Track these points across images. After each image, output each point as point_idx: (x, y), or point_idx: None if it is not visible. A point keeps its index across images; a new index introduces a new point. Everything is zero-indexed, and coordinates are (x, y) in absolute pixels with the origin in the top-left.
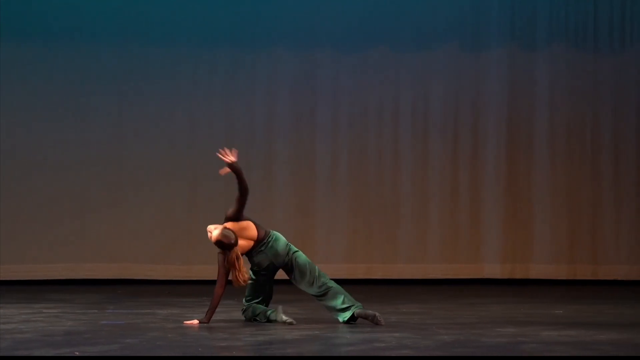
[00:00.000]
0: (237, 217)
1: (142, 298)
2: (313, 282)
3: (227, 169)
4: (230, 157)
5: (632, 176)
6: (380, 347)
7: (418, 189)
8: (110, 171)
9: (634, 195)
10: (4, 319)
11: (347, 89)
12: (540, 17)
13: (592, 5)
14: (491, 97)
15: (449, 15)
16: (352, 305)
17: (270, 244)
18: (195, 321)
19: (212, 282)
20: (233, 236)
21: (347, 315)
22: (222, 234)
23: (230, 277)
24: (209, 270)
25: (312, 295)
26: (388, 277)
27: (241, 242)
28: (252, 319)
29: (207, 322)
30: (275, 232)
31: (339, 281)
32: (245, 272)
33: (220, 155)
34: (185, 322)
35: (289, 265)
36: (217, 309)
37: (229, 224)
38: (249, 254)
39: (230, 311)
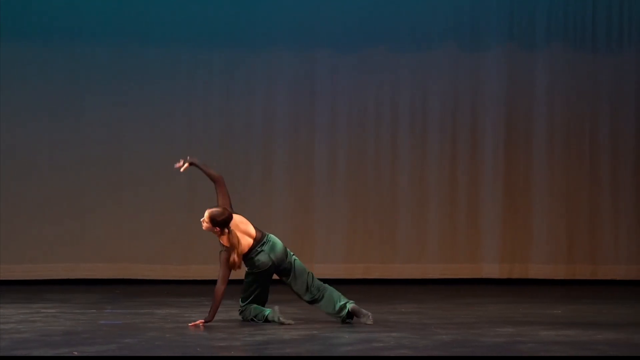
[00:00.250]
0: (227, 204)
1: (141, 298)
2: (308, 287)
3: (186, 165)
4: (183, 164)
5: (630, 176)
6: (378, 347)
7: (417, 188)
8: (108, 171)
9: (633, 195)
10: (2, 319)
11: (346, 89)
12: (539, 17)
13: (590, 5)
14: (490, 97)
15: (448, 15)
16: (347, 302)
17: (269, 243)
18: (200, 322)
19: (211, 282)
20: (226, 211)
21: (344, 314)
22: (212, 209)
23: (232, 260)
24: (208, 270)
25: (307, 300)
26: (386, 277)
27: (241, 237)
28: (250, 319)
29: (211, 321)
30: (270, 234)
31: (337, 281)
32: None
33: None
34: (189, 324)
35: (288, 268)
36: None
37: None
38: (249, 255)
39: (229, 311)
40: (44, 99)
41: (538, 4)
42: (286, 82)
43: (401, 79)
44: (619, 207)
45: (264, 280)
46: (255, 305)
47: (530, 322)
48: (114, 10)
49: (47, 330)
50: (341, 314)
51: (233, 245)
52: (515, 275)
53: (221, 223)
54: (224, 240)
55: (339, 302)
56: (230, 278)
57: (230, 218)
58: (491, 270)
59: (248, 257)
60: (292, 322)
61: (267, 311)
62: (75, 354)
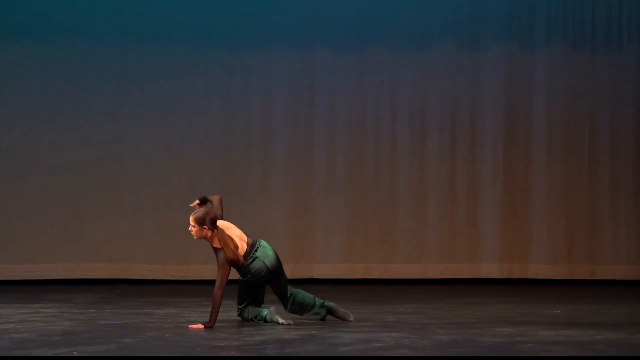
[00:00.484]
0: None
1: (140, 298)
2: (285, 291)
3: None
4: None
5: (630, 176)
6: (377, 347)
7: (416, 188)
8: (107, 171)
9: (632, 195)
10: (1, 319)
11: (345, 88)
12: (539, 17)
13: (590, 5)
14: (489, 97)
15: (447, 15)
16: (325, 301)
17: (262, 249)
18: (200, 325)
19: (210, 282)
20: (209, 209)
21: (323, 313)
22: (195, 213)
23: (230, 256)
24: (207, 270)
25: (282, 303)
26: (386, 277)
27: (234, 237)
28: (249, 319)
29: (212, 326)
30: (260, 239)
31: (337, 281)
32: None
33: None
34: (190, 326)
35: (279, 273)
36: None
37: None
38: (243, 263)
39: (229, 311)
40: (44, 99)
41: (537, 4)
42: (285, 82)
43: (401, 78)
44: (618, 207)
45: (259, 286)
46: (253, 307)
47: (529, 322)
48: (114, 10)
49: (47, 330)
50: (321, 310)
51: (226, 243)
52: (515, 275)
53: (209, 221)
54: (216, 241)
55: (317, 299)
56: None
57: (216, 216)
58: (491, 270)
59: (243, 267)
60: (292, 321)
61: (265, 312)
62: (75, 354)
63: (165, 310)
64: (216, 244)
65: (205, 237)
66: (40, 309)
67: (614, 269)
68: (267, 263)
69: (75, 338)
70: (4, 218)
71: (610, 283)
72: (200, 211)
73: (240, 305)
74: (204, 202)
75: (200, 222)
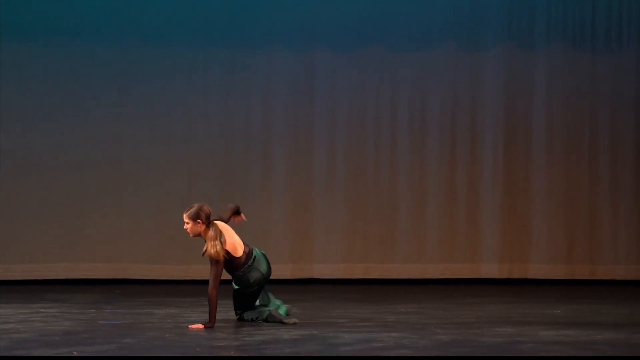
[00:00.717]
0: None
1: (140, 298)
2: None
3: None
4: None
5: (629, 176)
6: (377, 347)
7: (416, 188)
8: (108, 171)
9: (632, 195)
10: (1, 319)
11: (345, 89)
12: (538, 17)
13: (590, 4)
14: (489, 97)
15: (447, 15)
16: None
17: (258, 259)
18: (201, 325)
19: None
20: (201, 204)
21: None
22: (188, 210)
23: (209, 251)
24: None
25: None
26: (386, 277)
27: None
28: (250, 319)
29: (212, 326)
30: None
31: (337, 281)
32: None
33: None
34: (190, 326)
35: (267, 281)
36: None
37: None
38: (240, 271)
39: (229, 311)
40: (44, 99)
41: (537, 4)
42: (285, 82)
43: (400, 79)
44: (618, 207)
45: (254, 293)
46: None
47: (529, 322)
48: (113, 10)
49: (47, 330)
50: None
51: (215, 237)
52: (515, 275)
53: (204, 216)
54: (210, 236)
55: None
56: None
57: (210, 212)
58: (491, 270)
59: (239, 274)
60: (296, 320)
61: (266, 312)
62: (75, 354)
63: (165, 310)
64: (210, 237)
65: (200, 234)
66: (40, 309)
67: (614, 269)
68: (263, 271)
69: (75, 338)
70: (4, 218)
71: (610, 283)
72: (194, 207)
73: (238, 310)
74: (237, 212)
75: (194, 217)
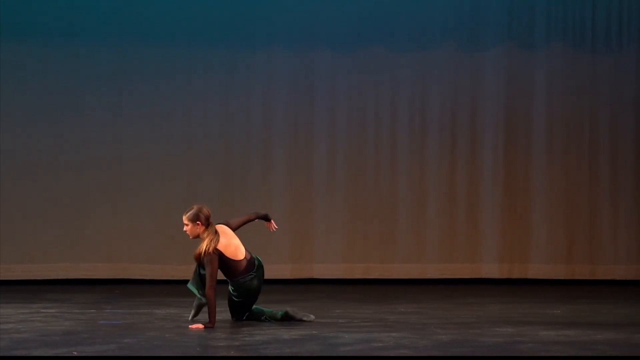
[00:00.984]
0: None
1: (140, 298)
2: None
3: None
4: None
5: (629, 176)
6: (377, 347)
7: (416, 188)
8: (107, 171)
9: (632, 194)
10: (2, 319)
11: (345, 89)
12: (538, 17)
13: (590, 4)
14: (489, 97)
15: (447, 15)
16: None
17: (260, 267)
18: (201, 325)
19: None
20: (200, 205)
21: (280, 313)
22: (189, 209)
23: (200, 252)
24: None
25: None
26: (386, 277)
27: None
28: (262, 319)
29: (213, 326)
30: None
31: (336, 281)
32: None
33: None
34: (190, 326)
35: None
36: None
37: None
38: (241, 279)
39: (229, 310)
40: (44, 99)
41: (537, 4)
42: (285, 81)
43: (400, 78)
44: (618, 207)
45: (252, 302)
46: (259, 307)
47: (529, 322)
48: (113, 10)
49: (47, 330)
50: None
51: (211, 237)
52: (515, 275)
53: (202, 218)
54: (208, 236)
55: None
56: (219, 278)
57: (210, 214)
58: (491, 270)
59: (240, 280)
60: (313, 317)
61: (280, 313)
62: (75, 354)
63: (166, 310)
64: (206, 238)
65: (199, 235)
66: (40, 309)
67: (614, 268)
68: (261, 279)
69: (75, 338)
70: (4, 218)
71: (610, 283)
72: (193, 208)
73: (242, 317)
74: (264, 218)
75: (193, 218)
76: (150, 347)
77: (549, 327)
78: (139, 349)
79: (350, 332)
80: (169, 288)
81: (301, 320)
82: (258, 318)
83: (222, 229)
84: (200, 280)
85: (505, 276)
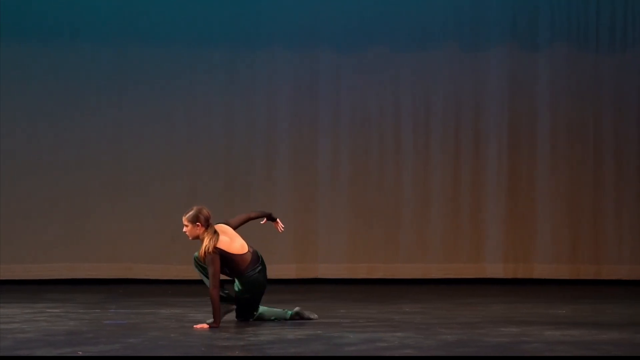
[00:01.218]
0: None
1: (144, 298)
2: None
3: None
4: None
5: (634, 176)
6: (382, 347)
7: (419, 188)
8: (110, 171)
9: (637, 194)
10: (6, 319)
11: (348, 88)
12: (542, 17)
13: (594, 5)
14: (492, 97)
15: (450, 15)
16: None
17: (263, 262)
18: (205, 325)
19: None
20: (199, 207)
21: (289, 313)
22: (189, 210)
23: (201, 253)
24: None
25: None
26: (390, 277)
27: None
28: (271, 319)
29: (218, 326)
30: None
31: (340, 281)
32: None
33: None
34: (195, 326)
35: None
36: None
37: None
38: (246, 273)
39: (234, 311)
40: (46, 99)
41: (541, 4)
42: (288, 81)
43: (403, 78)
44: (622, 207)
45: (258, 300)
46: (267, 307)
47: (534, 322)
48: (115, 10)
49: (51, 330)
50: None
51: (210, 238)
52: (519, 275)
53: (202, 219)
54: (207, 237)
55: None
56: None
57: (209, 214)
58: (495, 270)
59: (249, 274)
60: (316, 316)
61: (289, 312)
62: (80, 353)
63: (170, 310)
64: (206, 240)
65: (199, 236)
66: (44, 308)
67: (619, 269)
68: (266, 274)
69: (79, 338)
70: (5, 218)
71: (614, 283)
72: (193, 210)
73: (249, 317)
74: (269, 218)
75: (193, 219)
76: (154, 347)
77: (554, 327)
78: (143, 348)
79: (354, 332)
80: (172, 288)
81: (308, 319)
82: (267, 319)
83: (222, 228)
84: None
85: (509, 276)
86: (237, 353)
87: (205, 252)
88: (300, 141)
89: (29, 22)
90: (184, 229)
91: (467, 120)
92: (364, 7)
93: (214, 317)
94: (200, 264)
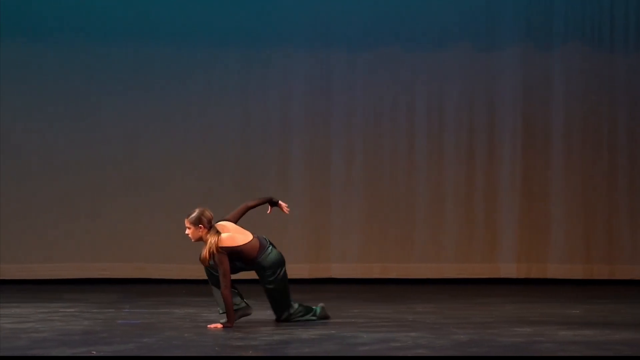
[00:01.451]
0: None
1: (158, 297)
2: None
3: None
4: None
5: None
6: (396, 347)
7: (433, 188)
8: (125, 171)
9: None
10: (20, 318)
11: (361, 88)
12: (556, 17)
13: (608, 3)
14: (506, 97)
15: (464, 15)
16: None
17: (271, 243)
18: (219, 325)
19: None
20: (201, 208)
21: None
22: (191, 212)
23: (205, 255)
24: None
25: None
26: (403, 277)
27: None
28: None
29: (231, 326)
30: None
31: (354, 280)
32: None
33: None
34: (209, 325)
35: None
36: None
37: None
38: (260, 258)
39: (250, 314)
40: (62, 97)
41: (555, 3)
42: (302, 81)
43: (417, 78)
44: (636, 206)
45: (285, 281)
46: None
47: (547, 322)
48: (130, 9)
49: (66, 330)
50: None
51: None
52: (533, 275)
53: (205, 221)
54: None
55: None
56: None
57: (212, 216)
58: (508, 270)
59: (259, 260)
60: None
61: (317, 309)
62: (94, 353)
63: (184, 310)
64: (209, 240)
65: (202, 238)
66: (59, 308)
67: (633, 269)
68: (281, 253)
69: (93, 337)
70: (20, 217)
71: (628, 283)
72: (195, 212)
73: (287, 310)
74: (272, 203)
75: (195, 222)
76: (168, 346)
77: (567, 327)
78: (157, 348)
79: (368, 332)
80: (187, 287)
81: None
82: (296, 318)
83: (223, 225)
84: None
85: (523, 276)
86: (250, 353)
87: (209, 254)
88: (314, 140)
89: (45, 21)
90: (187, 232)
91: (480, 120)
92: (377, 6)
93: (227, 317)
94: (211, 272)
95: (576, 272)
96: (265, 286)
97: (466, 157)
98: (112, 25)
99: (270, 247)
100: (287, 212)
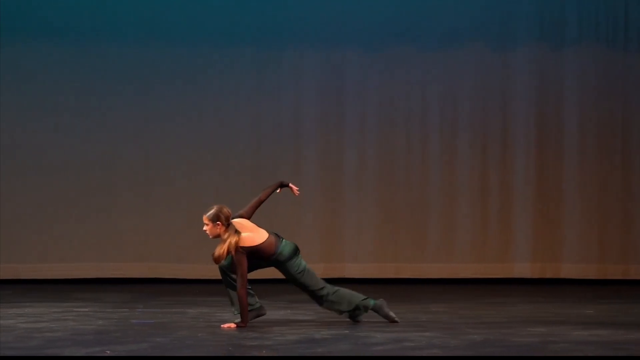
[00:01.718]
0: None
1: (172, 297)
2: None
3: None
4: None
5: None
6: (409, 347)
7: (447, 188)
8: (138, 171)
9: None
10: (34, 318)
11: (374, 87)
12: (570, 15)
13: (622, 3)
14: (520, 96)
15: (477, 14)
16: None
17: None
18: (233, 325)
19: None
20: (219, 205)
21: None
22: (209, 209)
23: (220, 253)
24: None
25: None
26: (417, 277)
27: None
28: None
29: (245, 325)
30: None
31: (367, 280)
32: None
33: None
34: (222, 325)
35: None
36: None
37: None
38: (277, 252)
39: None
40: (76, 96)
41: (568, 2)
42: (315, 80)
43: (430, 78)
44: None
45: (307, 267)
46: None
47: (562, 322)
48: (140, 8)
49: (80, 329)
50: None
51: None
52: (547, 275)
53: (222, 218)
54: (228, 237)
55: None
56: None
57: (230, 212)
58: (522, 269)
59: (277, 254)
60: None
61: (372, 301)
62: (108, 353)
63: (197, 310)
64: (227, 239)
65: (219, 235)
66: (72, 308)
67: None
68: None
69: (107, 337)
70: (33, 217)
71: None
72: (213, 208)
73: (324, 292)
74: (282, 186)
75: (214, 219)
76: (182, 346)
77: (581, 327)
78: (171, 348)
79: (382, 332)
80: (200, 287)
81: (388, 318)
82: (338, 308)
83: (240, 223)
84: (233, 284)
85: (537, 276)
86: (264, 353)
87: (227, 253)
88: (328, 141)
89: (53, 21)
90: (204, 228)
91: (494, 120)
92: (390, 6)
93: (241, 317)
94: (225, 272)
95: (590, 272)
96: (293, 277)
97: (480, 157)
98: (124, 25)
99: (283, 241)
100: (297, 194)
